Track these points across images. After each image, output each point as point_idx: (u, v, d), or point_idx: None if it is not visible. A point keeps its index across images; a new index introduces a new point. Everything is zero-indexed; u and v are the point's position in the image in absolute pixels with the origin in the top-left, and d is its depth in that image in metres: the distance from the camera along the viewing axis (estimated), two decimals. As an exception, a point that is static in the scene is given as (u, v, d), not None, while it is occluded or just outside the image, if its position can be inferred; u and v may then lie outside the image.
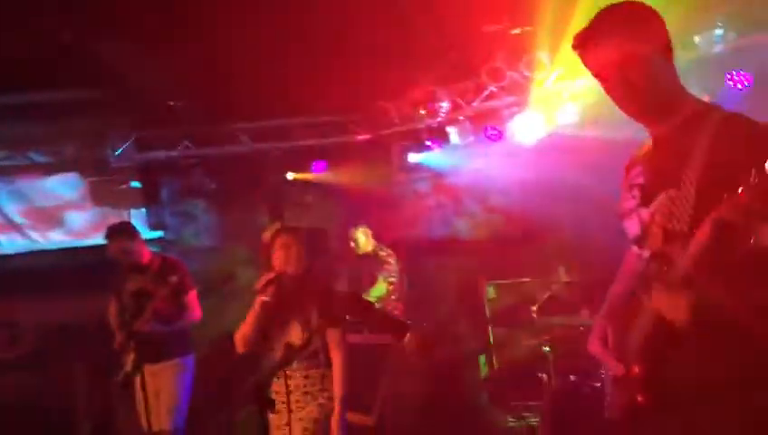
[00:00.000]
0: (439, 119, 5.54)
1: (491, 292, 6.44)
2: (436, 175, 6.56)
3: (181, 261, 4.59)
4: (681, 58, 4.13)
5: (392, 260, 5.63)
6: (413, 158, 6.13)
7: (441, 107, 5.44)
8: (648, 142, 1.85)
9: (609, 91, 1.75)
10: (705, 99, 4.58)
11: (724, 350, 1.60)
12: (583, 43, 1.74)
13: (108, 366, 4.62)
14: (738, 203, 1.37)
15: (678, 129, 1.71)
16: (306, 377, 3.08)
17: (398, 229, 6.52)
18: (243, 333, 3.14)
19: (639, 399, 1.70)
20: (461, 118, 5.55)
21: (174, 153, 5.83)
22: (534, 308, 5.04)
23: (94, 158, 5.91)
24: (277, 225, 3.36)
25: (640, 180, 1.81)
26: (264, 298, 3.07)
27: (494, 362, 6.46)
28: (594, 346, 1.88)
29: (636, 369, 1.71)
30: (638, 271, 1.82)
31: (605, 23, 1.71)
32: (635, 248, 1.83)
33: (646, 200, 1.76)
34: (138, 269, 4.26)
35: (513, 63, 5.00)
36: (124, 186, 6.22)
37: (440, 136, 5.78)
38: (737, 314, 1.56)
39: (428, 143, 5.89)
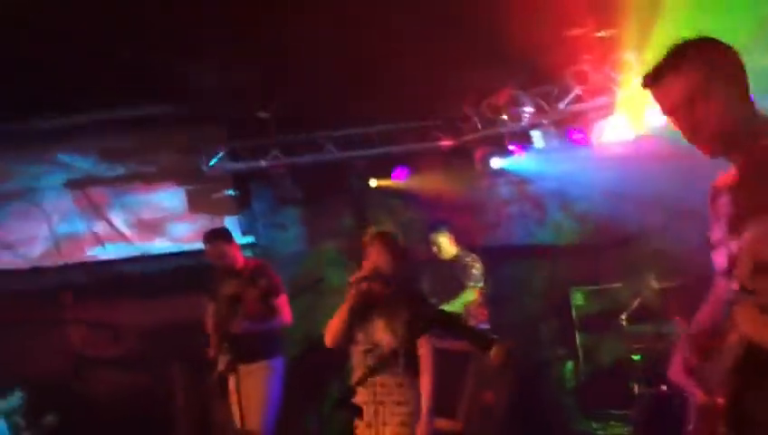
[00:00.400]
0: (522, 123, 5.48)
1: (578, 298, 6.33)
2: (520, 181, 6.51)
3: (270, 265, 4.76)
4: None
5: (478, 265, 5.59)
6: (496, 163, 6.07)
7: (524, 111, 5.39)
8: (731, 170, 1.82)
9: (679, 128, 1.77)
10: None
11: None
12: (651, 82, 1.78)
13: (204, 366, 4.85)
14: None
15: (763, 155, 1.69)
16: (385, 385, 3.10)
17: (481, 235, 6.52)
18: (332, 327, 3.21)
19: (722, 431, 1.67)
20: (545, 122, 5.48)
21: (263, 162, 6.03)
22: (624, 316, 4.93)
23: (190, 168, 6.19)
24: (376, 228, 3.39)
25: (727, 211, 1.79)
26: (357, 291, 3.16)
27: (581, 369, 6.35)
28: (677, 374, 1.87)
29: (720, 400, 1.69)
30: (725, 302, 1.79)
31: (672, 61, 1.74)
32: (722, 280, 1.81)
33: (734, 231, 1.73)
34: (232, 273, 4.46)
35: (599, 66, 4.92)
36: (219, 194, 6.50)
37: (523, 140, 5.71)
38: None
39: (512, 148, 5.84)
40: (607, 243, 6.17)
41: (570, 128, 5.41)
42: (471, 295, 5.43)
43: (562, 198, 6.52)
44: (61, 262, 6.41)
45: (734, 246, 1.72)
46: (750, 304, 1.58)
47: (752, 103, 1.76)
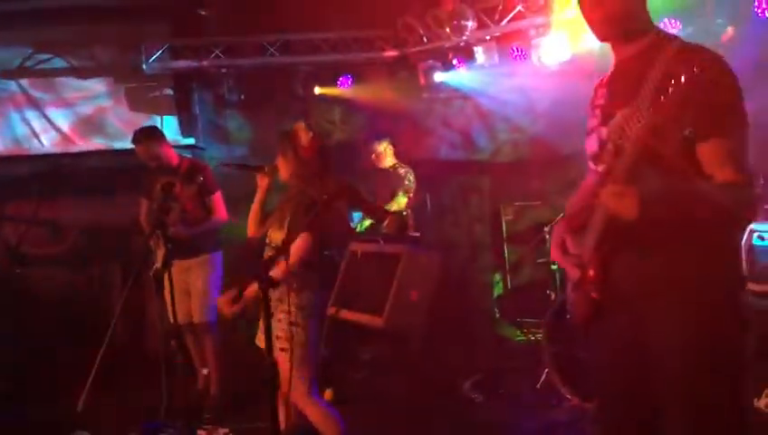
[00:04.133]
0: (465, 37, 5.53)
1: (509, 212, 6.60)
2: (462, 95, 6.61)
3: (206, 164, 4.78)
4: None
5: (411, 177, 5.78)
6: (439, 77, 6.15)
7: (467, 26, 5.43)
8: (611, 66, 1.99)
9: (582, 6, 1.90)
10: (730, 29, 4.59)
11: (664, 246, 1.76)
12: None
13: (142, 264, 4.91)
14: (662, 108, 1.59)
15: (639, 55, 1.85)
16: None
17: (420, 148, 6.65)
18: (249, 217, 3.34)
19: (593, 296, 1.86)
20: (487, 37, 5.55)
21: (205, 63, 5.95)
22: (547, 229, 5.13)
23: (129, 64, 6.07)
24: (302, 125, 3.20)
25: (601, 102, 1.95)
26: (264, 179, 3.27)
27: (508, 280, 6.69)
28: (556, 254, 2.04)
29: (591, 271, 1.86)
30: (594, 185, 1.94)
31: None
32: (591, 165, 1.98)
33: (605, 120, 1.89)
34: (166, 171, 4.47)
35: (541, -17, 4.98)
36: (158, 93, 6.41)
37: (466, 55, 5.78)
38: (675, 209, 1.71)
39: (454, 62, 5.91)
40: (541, 161, 6.39)
41: (510, 45, 5.49)
42: (402, 202, 5.65)
43: (502, 114, 6.67)
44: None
45: (603, 132, 1.89)
46: (610, 181, 1.72)
47: (647, 6, 1.90)
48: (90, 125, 6.42)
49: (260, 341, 3.05)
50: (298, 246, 2.93)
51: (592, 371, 2.13)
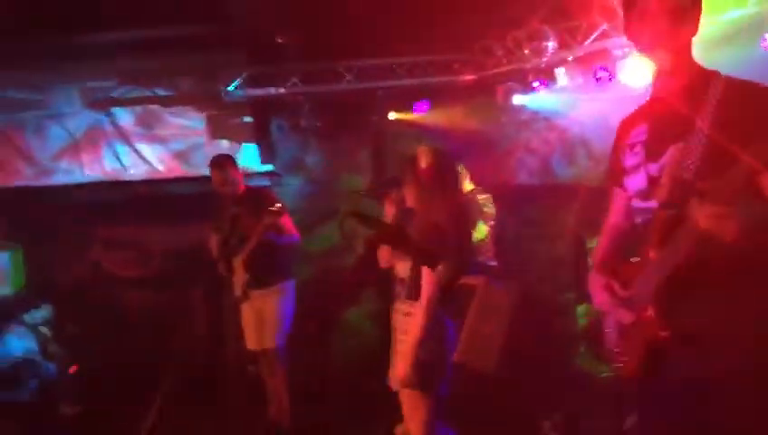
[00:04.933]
0: (546, 59, 5.33)
1: (595, 241, 6.28)
2: (542, 118, 6.39)
3: (270, 189, 4.84)
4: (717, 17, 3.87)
5: (490, 204, 5.60)
6: (518, 100, 5.95)
7: (548, 46, 5.23)
8: (645, 104, 2.03)
9: (650, 30, 1.84)
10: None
11: (740, 281, 1.73)
12: None
13: (222, 291, 4.99)
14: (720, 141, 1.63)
15: (685, 89, 1.87)
16: (398, 311, 3.15)
17: (499, 173, 6.46)
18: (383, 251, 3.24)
19: (664, 335, 1.79)
20: (569, 58, 5.33)
21: (282, 90, 6.01)
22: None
23: (209, 92, 6.20)
24: (425, 148, 3.18)
25: (643, 138, 1.95)
26: (391, 207, 3.24)
27: (593, 312, 6.36)
28: (602, 298, 1.96)
29: (651, 311, 1.82)
30: (632, 223, 2.00)
31: None
32: (636, 201, 1.95)
33: (652, 156, 1.90)
34: (236, 200, 4.53)
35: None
36: (238, 121, 6.53)
37: (547, 77, 5.56)
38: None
39: (535, 85, 5.71)
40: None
41: (594, 65, 5.24)
42: (483, 231, 5.45)
43: (584, 137, 6.40)
44: (85, 180, 6.56)
45: (653, 168, 1.89)
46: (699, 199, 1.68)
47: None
48: (172, 153, 6.60)
49: (392, 380, 3.08)
50: (428, 281, 2.88)
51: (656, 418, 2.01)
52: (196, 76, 6.33)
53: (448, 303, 3.01)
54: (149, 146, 6.57)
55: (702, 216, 1.65)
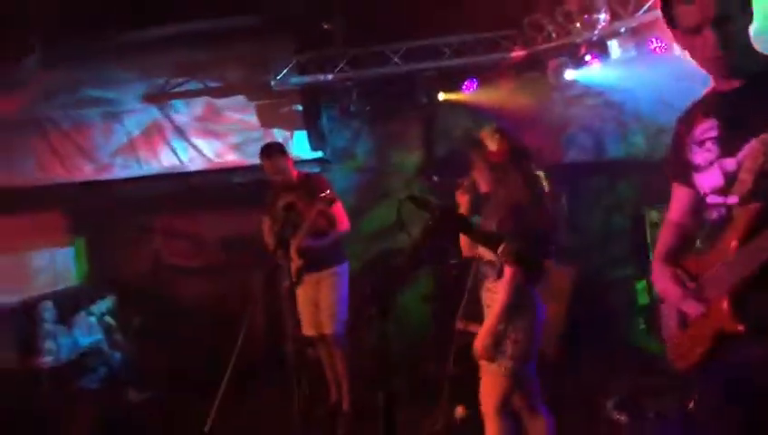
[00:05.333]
0: (597, 31, 5.18)
1: (653, 216, 6.12)
2: (595, 93, 6.23)
3: (322, 176, 4.85)
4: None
5: (545, 183, 5.49)
6: (570, 75, 5.80)
7: (600, 19, 5.09)
8: (707, 98, 1.97)
9: (705, 43, 1.81)
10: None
11: None
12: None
13: (278, 276, 5.06)
14: None
15: (753, 82, 1.83)
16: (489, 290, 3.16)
17: (552, 150, 6.34)
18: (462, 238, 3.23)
19: (740, 329, 1.76)
20: (622, 30, 5.17)
21: (330, 76, 6.02)
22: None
23: (258, 82, 6.26)
24: (488, 130, 3.14)
25: (714, 134, 1.90)
26: (463, 196, 3.17)
27: (653, 289, 6.22)
28: (670, 289, 1.96)
29: (725, 304, 1.78)
30: (693, 225, 2.03)
31: None
32: (713, 198, 1.91)
33: (728, 151, 1.85)
34: (288, 187, 4.57)
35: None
36: (287, 109, 6.57)
37: (599, 50, 5.40)
38: None
39: (587, 58, 5.55)
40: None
41: (649, 36, 5.08)
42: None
43: (639, 111, 6.22)
44: (140, 173, 6.72)
45: (729, 163, 1.85)
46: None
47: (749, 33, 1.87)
48: (225, 143, 6.70)
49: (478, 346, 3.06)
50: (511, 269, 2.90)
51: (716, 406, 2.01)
52: (246, 66, 6.38)
53: (536, 282, 3.03)
54: (205, 139, 6.67)
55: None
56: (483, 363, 3.07)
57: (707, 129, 1.92)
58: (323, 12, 5.72)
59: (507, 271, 2.89)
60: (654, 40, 5.07)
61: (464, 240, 3.24)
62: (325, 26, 5.72)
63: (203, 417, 3.69)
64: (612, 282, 6.42)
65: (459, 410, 4.32)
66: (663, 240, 2.15)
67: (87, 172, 6.77)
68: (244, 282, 6.42)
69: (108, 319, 6.34)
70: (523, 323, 3.00)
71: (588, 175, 6.43)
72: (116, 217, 6.73)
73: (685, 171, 2.01)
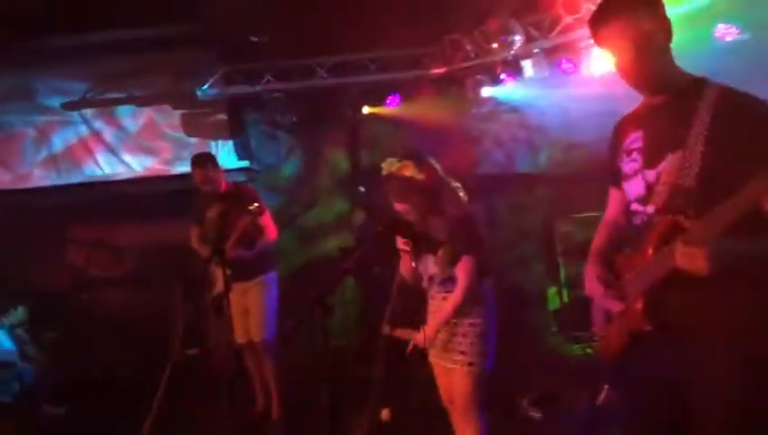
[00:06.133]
0: (513, 51, 5.51)
1: (564, 226, 6.50)
2: (511, 109, 6.59)
3: (250, 186, 4.90)
4: (671, 10, 4.16)
5: (461, 194, 5.73)
6: (487, 92, 6.13)
7: (515, 40, 5.41)
8: (640, 110, 2.06)
9: (618, 67, 1.96)
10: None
11: (723, 286, 1.79)
12: (593, 24, 1.98)
13: (201, 286, 5.04)
14: (714, 153, 1.65)
15: (676, 98, 1.93)
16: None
17: (471, 163, 6.63)
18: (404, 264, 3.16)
19: (647, 329, 1.92)
20: (535, 51, 5.52)
21: (257, 88, 6.09)
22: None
23: (184, 91, 6.24)
24: (388, 164, 3.06)
25: (639, 145, 2.01)
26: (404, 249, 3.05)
27: (564, 294, 6.58)
28: (594, 288, 2.09)
29: (639, 305, 1.92)
30: (626, 224, 2.10)
31: (613, 9, 1.94)
32: (635, 205, 2.03)
33: (649, 163, 1.96)
34: (217, 197, 4.61)
35: (589, -5, 4.94)
36: (213, 119, 6.58)
37: (515, 69, 5.75)
38: (742, 266, 1.77)
39: (503, 77, 5.88)
40: (594, 172, 6.29)
41: (560, 57, 5.44)
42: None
43: (552, 127, 6.61)
44: (59, 182, 6.55)
45: (650, 175, 1.95)
46: (682, 238, 1.76)
47: (671, 52, 1.98)
48: (147, 152, 6.63)
49: (437, 357, 3.13)
50: (462, 270, 2.95)
51: (628, 400, 2.19)
52: (171, 76, 6.35)
53: (486, 275, 3.09)
54: (126, 148, 6.59)
55: (678, 253, 1.75)
56: (442, 364, 3.12)
57: (634, 139, 2.03)
58: (250, 24, 5.77)
59: (464, 259, 2.93)
60: (564, 61, 5.45)
61: (404, 265, 3.18)
62: (252, 39, 5.77)
63: (122, 431, 3.63)
64: (526, 289, 6.75)
65: (385, 413, 4.44)
66: (596, 240, 2.27)
67: (4, 181, 6.55)
68: (164, 292, 6.36)
69: (19, 331, 6.11)
70: (478, 316, 3.04)
71: (500, 187, 6.75)
72: (31, 227, 6.50)
73: (616, 178, 2.12)
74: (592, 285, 2.09)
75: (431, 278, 3.09)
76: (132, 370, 5.25)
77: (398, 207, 3.04)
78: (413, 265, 3.10)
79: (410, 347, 3.19)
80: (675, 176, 1.85)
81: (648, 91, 2.00)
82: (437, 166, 3.15)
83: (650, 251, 1.90)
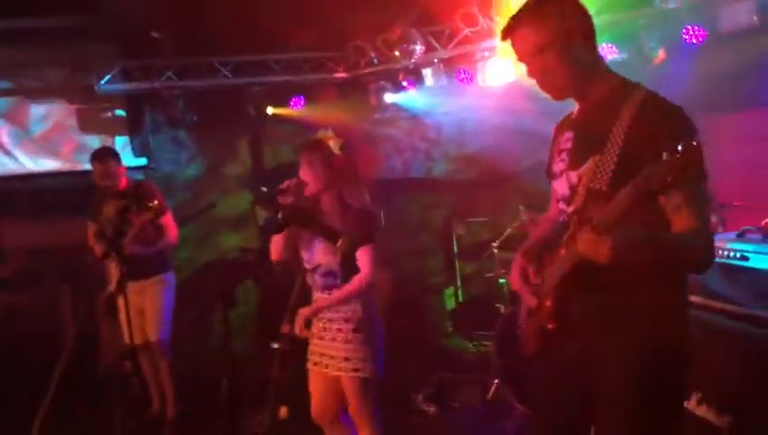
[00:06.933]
0: (414, 60, 5.71)
1: (460, 229, 6.79)
2: (412, 116, 6.81)
3: (152, 184, 4.82)
4: (640, 13, 4.46)
5: (365, 193, 5.88)
6: (389, 98, 6.32)
7: (416, 49, 5.61)
8: (575, 111, 2.09)
9: (530, 75, 1.97)
10: (661, 52, 4.87)
11: (621, 285, 1.89)
12: (504, 36, 1.99)
13: (93, 286, 4.90)
14: (656, 173, 1.59)
15: (602, 102, 1.95)
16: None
17: (371, 167, 6.78)
18: (274, 239, 3.10)
19: (550, 326, 1.99)
20: (435, 60, 5.75)
21: (157, 84, 5.98)
22: (495, 244, 5.30)
23: (80, 85, 6.05)
24: (330, 133, 3.02)
25: (569, 145, 2.03)
26: (287, 199, 2.91)
27: (460, 294, 6.86)
28: (515, 280, 2.12)
29: (548, 302, 1.99)
30: (558, 222, 2.10)
31: (519, 16, 1.95)
32: (561, 205, 2.08)
33: (574, 165, 1.98)
34: (115, 194, 4.50)
35: (486, 10, 5.19)
36: (110, 114, 6.41)
37: (415, 77, 5.97)
38: (641, 257, 1.82)
39: (404, 84, 6.08)
40: (488, 179, 6.64)
41: (458, 68, 5.69)
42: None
43: (449, 134, 6.88)
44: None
45: (573, 176, 1.98)
46: (586, 225, 1.79)
47: (596, 51, 1.98)
48: (40, 147, 6.36)
49: (319, 366, 3.10)
50: (365, 258, 2.90)
51: (534, 387, 2.23)
52: (67, 68, 6.13)
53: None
54: (16, 141, 6.28)
55: (581, 241, 1.78)
56: (325, 372, 3.09)
57: (566, 140, 2.05)
58: (151, 19, 5.68)
59: (366, 248, 2.89)
60: (461, 71, 5.69)
61: (275, 246, 3.13)
62: (153, 34, 5.67)
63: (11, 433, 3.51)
64: (424, 288, 6.98)
65: (282, 411, 4.49)
66: (533, 234, 2.31)
67: None
68: (53, 294, 6.13)
69: None
70: (361, 320, 3.00)
71: (406, 191, 6.96)
72: None
73: (552, 175, 2.13)
74: (515, 278, 2.12)
75: (316, 268, 3.05)
76: (17, 373, 5.03)
77: (303, 174, 2.97)
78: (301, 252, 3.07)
79: (281, 337, 3.18)
80: (590, 179, 1.88)
81: (575, 95, 2.00)
82: (356, 163, 3.13)
83: (563, 251, 1.94)
